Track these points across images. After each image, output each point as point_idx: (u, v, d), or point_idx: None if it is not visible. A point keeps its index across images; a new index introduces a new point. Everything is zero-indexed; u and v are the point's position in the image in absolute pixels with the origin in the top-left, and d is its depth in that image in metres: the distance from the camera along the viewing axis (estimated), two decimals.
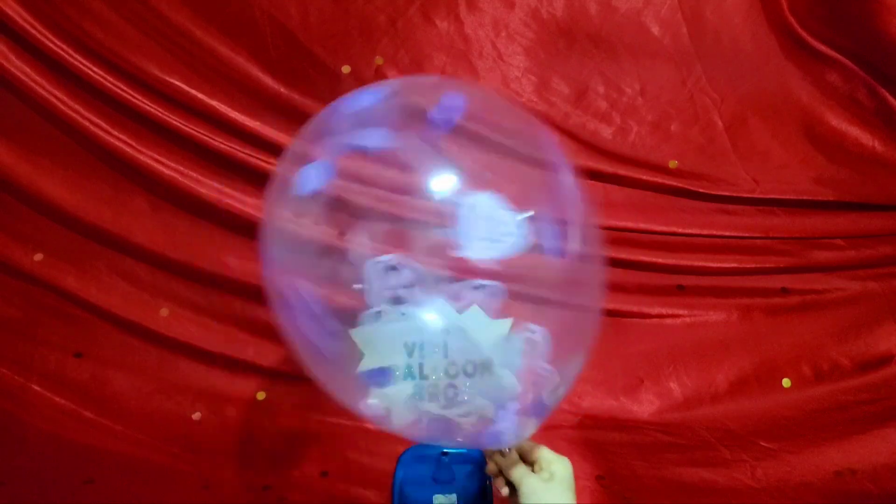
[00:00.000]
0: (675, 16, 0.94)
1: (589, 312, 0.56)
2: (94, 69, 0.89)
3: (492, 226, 0.46)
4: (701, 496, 0.83)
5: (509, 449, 0.57)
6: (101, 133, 0.90)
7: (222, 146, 0.92)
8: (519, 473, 0.56)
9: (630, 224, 0.95)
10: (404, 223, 0.48)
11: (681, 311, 0.97)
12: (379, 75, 0.91)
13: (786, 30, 0.94)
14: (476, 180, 0.48)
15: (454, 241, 0.45)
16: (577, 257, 0.52)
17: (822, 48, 0.94)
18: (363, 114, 0.52)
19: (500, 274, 0.47)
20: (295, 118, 0.92)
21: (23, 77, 0.88)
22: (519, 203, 0.48)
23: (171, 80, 0.90)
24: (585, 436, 0.88)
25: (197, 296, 0.95)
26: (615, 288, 0.97)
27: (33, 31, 0.87)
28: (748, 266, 0.96)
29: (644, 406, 0.91)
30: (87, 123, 0.90)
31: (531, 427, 0.55)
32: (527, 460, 0.58)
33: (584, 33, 0.94)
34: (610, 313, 0.96)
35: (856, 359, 0.89)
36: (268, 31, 0.90)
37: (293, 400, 0.93)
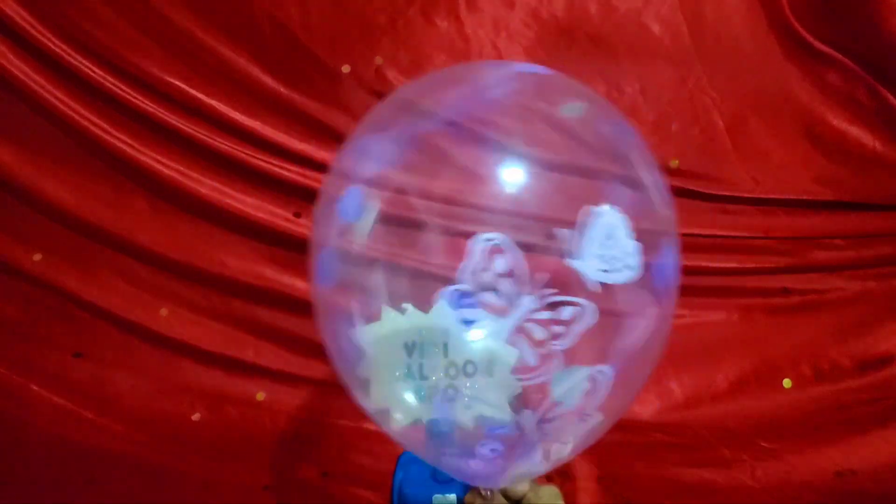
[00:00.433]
0: (675, 16, 0.94)
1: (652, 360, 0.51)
2: (94, 69, 0.89)
3: (612, 247, 0.42)
4: (701, 496, 0.83)
5: (491, 492, 0.51)
6: (101, 133, 0.90)
7: (222, 146, 0.92)
8: None
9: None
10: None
11: (681, 311, 0.97)
12: (379, 75, 0.91)
13: (786, 30, 0.94)
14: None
15: (569, 249, 0.41)
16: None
17: (823, 48, 0.93)
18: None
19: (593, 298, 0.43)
20: (295, 118, 0.92)
21: (23, 77, 0.88)
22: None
23: (171, 80, 0.90)
24: None
25: (197, 296, 0.95)
26: (615, 288, 0.97)
27: (33, 31, 0.87)
28: (748, 266, 0.96)
29: (644, 406, 0.91)
30: (87, 123, 0.90)
31: (527, 475, 0.49)
32: (512, 500, 0.51)
33: (585, 33, 0.94)
34: (610, 313, 0.96)
35: (856, 359, 0.89)
36: (268, 31, 0.90)
37: (293, 400, 0.93)
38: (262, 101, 0.92)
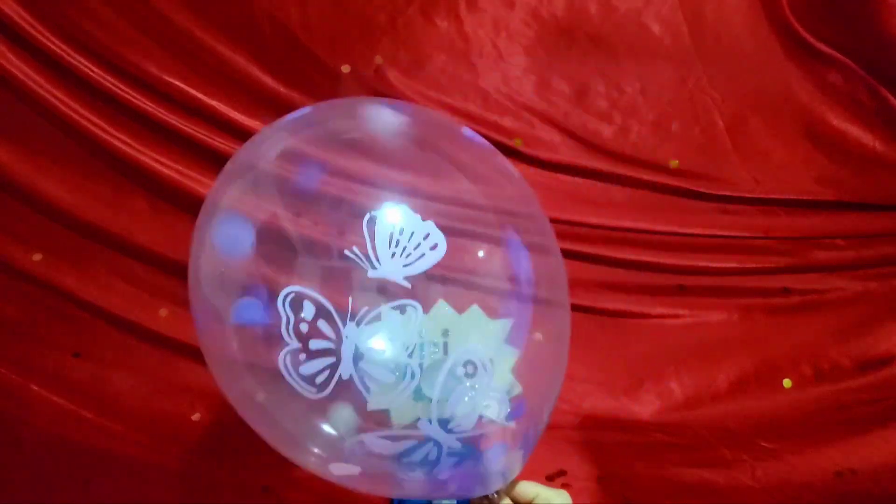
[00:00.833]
0: (675, 15, 0.94)
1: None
2: (94, 69, 0.89)
3: (403, 239, 0.44)
4: (701, 496, 0.83)
5: (497, 494, 0.50)
6: (101, 133, 0.90)
7: (222, 146, 0.91)
8: None
9: (630, 224, 0.95)
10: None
11: (682, 311, 0.96)
12: (379, 75, 0.91)
13: (786, 29, 0.94)
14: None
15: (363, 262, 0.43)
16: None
17: (823, 48, 0.93)
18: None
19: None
20: None
21: (23, 77, 0.88)
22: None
23: (171, 80, 0.90)
24: (585, 436, 0.88)
25: None
26: (615, 288, 0.97)
27: (33, 32, 0.87)
28: (749, 266, 0.96)
29: (645, 406, 0.91)
30: (87, 123, 0.90)
31: (517, 462, 0.49)
32: None
33: (585, 33, 0.94)
34: (610, 313, 0.96)
35: (856, 359, 0.89)
36: (268, 31, 0.90)
37: None
38: (262, 101, 0.92)
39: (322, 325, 0.43)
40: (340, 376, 0.43)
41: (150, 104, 0.90)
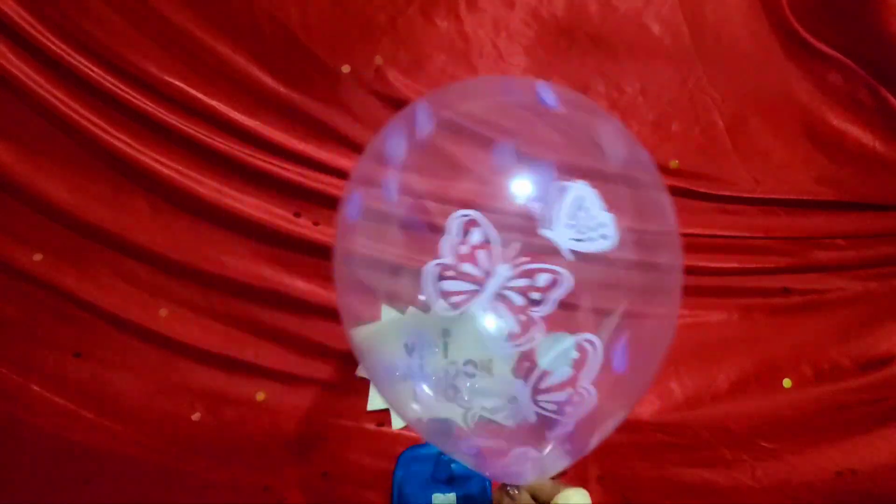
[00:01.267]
0: (675, 16, 0.94)
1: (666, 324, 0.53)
2: (94, 69, 0.89)
3: (584, 218, 0.45)
4: (701, 496, 0.83)
5: (518, 490, 0.49)
6: (101, 133, 0.90)
7: (222, 146, 0.91)
8: None
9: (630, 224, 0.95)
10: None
11: (681, 311, 0.96)
12: (379, 75, 0.91)
13: (786, 29, 0.94)
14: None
15: (540, 218, 0.44)
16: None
17: (823, 48, 0.93)
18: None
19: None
20: (295, 118, 0.92)
21: (23, 77, 0.88)
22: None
23: (171, 80, 0.90)
24: None
25: (197, 296, 0.95)
26: (615, 288, 0.97)
27: (33, 31, 0.87)
28: (749, 266, 0.96)
29: (644, 406, 0.91)
30: (87, 123, 0.90)
31: (564, 462, 0.49)
32: (540, 500, 0.49)
33: (585, 33, 0.94)
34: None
35: (857, 359, 0.89)
36: (268, 31, 0.90)
37: (293, 400, 0.93)
38: (262, 101, 0.92)
39: (480, 254, 0.44)
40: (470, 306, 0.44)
41: (150, 104, 0.90)
